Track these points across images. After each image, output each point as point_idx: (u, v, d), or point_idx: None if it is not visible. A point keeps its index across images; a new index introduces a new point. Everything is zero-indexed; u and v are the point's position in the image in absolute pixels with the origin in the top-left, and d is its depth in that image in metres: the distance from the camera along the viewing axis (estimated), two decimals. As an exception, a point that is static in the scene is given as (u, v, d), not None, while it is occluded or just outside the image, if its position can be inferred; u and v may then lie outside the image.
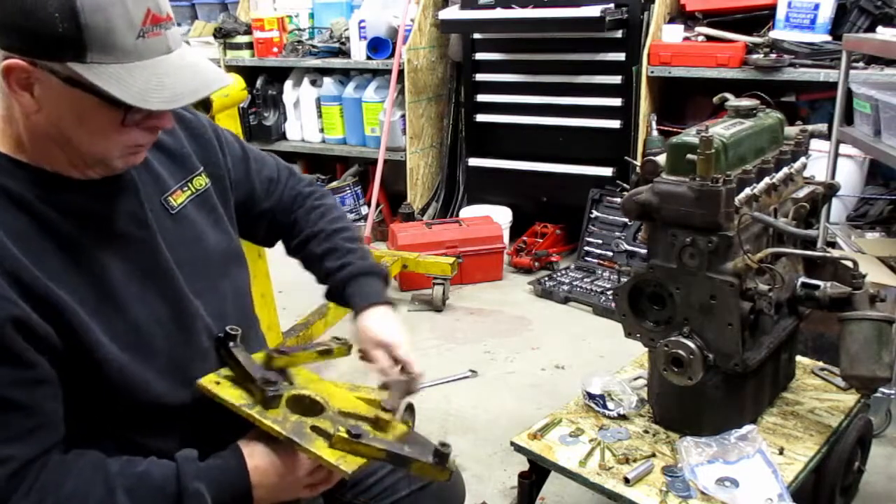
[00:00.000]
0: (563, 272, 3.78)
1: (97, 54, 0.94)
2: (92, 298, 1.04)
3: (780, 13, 3.43)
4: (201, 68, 1.04)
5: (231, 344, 1.18)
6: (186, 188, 1.22)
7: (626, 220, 3.68)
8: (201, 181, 1.25)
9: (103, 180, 1.09)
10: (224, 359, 1.18)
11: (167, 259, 1.14)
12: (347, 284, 1.37)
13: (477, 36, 4.05)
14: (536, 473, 1.79)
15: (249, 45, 4.59)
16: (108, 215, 1.09)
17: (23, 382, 0.96)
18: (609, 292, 3.40)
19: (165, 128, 1.08)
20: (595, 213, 3.84)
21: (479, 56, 4.07)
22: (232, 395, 1.13)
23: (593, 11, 3.51)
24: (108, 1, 0.93)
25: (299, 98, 4.63)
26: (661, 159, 1.62)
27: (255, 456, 1.11)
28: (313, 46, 4.50)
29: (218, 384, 1.14)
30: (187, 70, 1.02)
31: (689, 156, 1.50)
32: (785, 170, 1.76)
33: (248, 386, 1.14)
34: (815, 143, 2.85)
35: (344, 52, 4.40)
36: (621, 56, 3.72)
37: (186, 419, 1.15)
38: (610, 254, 3.75)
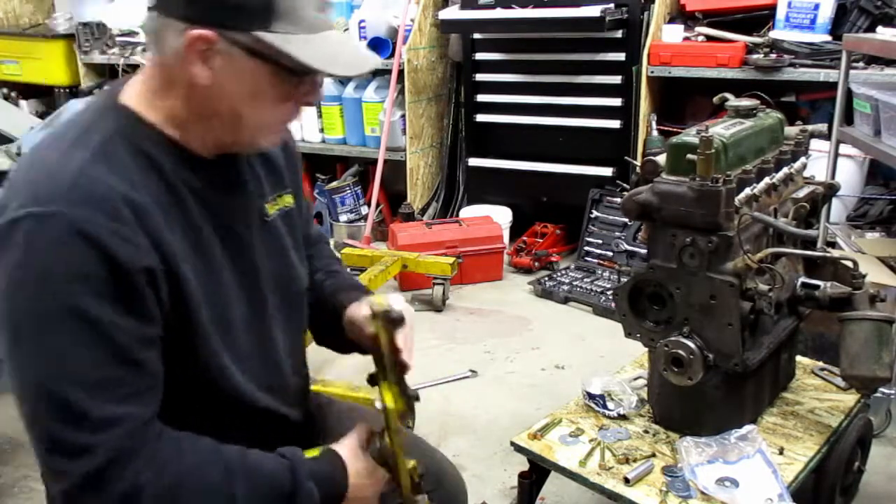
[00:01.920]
0: (563, 272, 3.78)
1: (283, 24, 0.99)
2: (203, 281, 1.06)
3: (780, 13, 3.43)
4: (356, 45, 1.12)
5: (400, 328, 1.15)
6: (277, 201, 1.24)
7: (626, 220, 3.68)
8: (289, 199, 1.27)
9: (227, 171, 1.13)
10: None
11: (257, 262, 1.17)
12: (337, 293, 1.36)
13: (477, 36, 4.05)
14: (536, 473, 1.79)
15: (249, 45, 4.59)
16: (222, 205, 1.11)
17: (143, 339, 0.97)
18: (609, 292, 3.40)
19: (313, 104, 1.13)
20: (595, 213, 3.84)
21: (479, 56, 4.07)
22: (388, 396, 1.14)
23: (593, 11, 3.51)
24: None
25: (299, 98, 4.62)
26: (661, 159, 1.62)
27: (355, 462, 1.13)
28: (313, 46, 4.50)
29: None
30: (350, 45, 1.10)
31: (689, 156, 1.50)
32: (785, 170, 1.76)
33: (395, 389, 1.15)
34: (815, 143, 2.85)
35: (344, 52, 4.40)
36: (621, 56, 3.72)
37: (249, 424, 1.16)
38: (610, 254, 3.75)
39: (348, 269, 3.12)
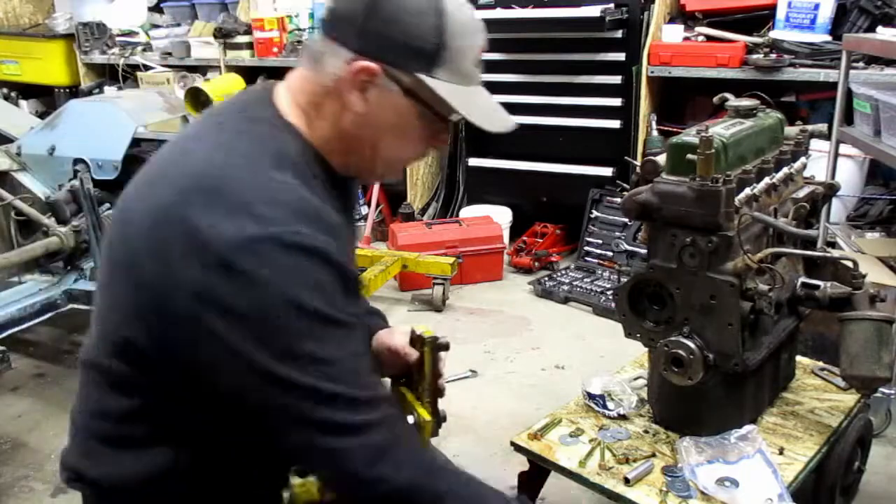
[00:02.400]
0: (563, 272, 3.78)
1: (444, 71, 1.05)
2: None
3: (780, 13, 3.43)
4: (497, 104, 1.17)
5: (442, 353, 1.25)
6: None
7: (626, 220, 3.68)
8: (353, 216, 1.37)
9: (347, 191, 1.20)
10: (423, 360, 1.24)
11: None
12: None
13: (477, 36, 4.04)
14: (536, 473, 1.79)
15: (249, 46, 4.59)
16: (347, 226, 1.17)
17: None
18: (609, 292, 3.40)
19: (442, 148, 1.21)
20: (595, 213, 3.84)
21: (479, 56, 4.07)
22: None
23: (593, 11, 3.51)
24: (470, 28, 1.07)
25: (299, 98, 4.63)
26: (661, 159, 1.62)
27: None
28: (313, 46, 4.50)
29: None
30: (494, 101, 1.17)
31: (689, 156, 1.50)
32: (785, 170, 1.76)
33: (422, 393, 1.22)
34: (815, 143, 2.84)
35: (344, 52, 4.40)
36: (621, 56, 3.72)
37: None
38: (610, 254, 3.75)
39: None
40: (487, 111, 1.12)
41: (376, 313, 1.43)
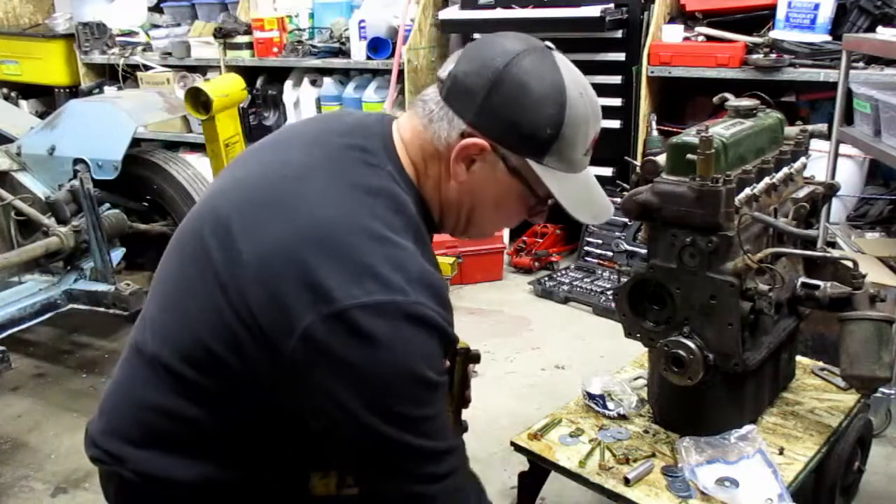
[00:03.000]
0: (563, 272, 3.78)
1: (553, 159, 1.08)
2: None
3: (780, 13, 3.43)
4: (601, 191, 1.18)
5: (473, 366, 1.27)
6: None
7: (626, 220, 3.67)
8: None
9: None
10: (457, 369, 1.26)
11: None
12: None
13: (477, 36, 4.05)
14: (536, 473, 1.79)
15: (249, 45, 4.59)
16: None
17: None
18: (609, 292, 3.40)
19: (536, 223, 1.23)
20: (595, 213, 3.83)
21: (480, 56, 4.07)
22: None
23: (593, 11, 3.51)
24: (584, 120, 1.08)
25: (299, 98, 4.63)
26: (661, 159, 1.62)
27: None
28: (313, 46, 4.50)
29: None
30: (598, 190, 1.18)
31: (689, 156, 1.50)
32: (785, 170, 1.76)
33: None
34: (815, 143, 2.84)
35: (344, 52, 4.40)
36: (621, 56, 3.72)
37: None
38: (610, 254, 3.75)
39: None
40: (585, 200, 1.13)
41: None
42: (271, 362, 0.99)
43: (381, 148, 1.11)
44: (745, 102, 1.78)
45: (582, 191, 1.13)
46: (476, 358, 1.21)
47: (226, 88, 2.77)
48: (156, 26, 5.27)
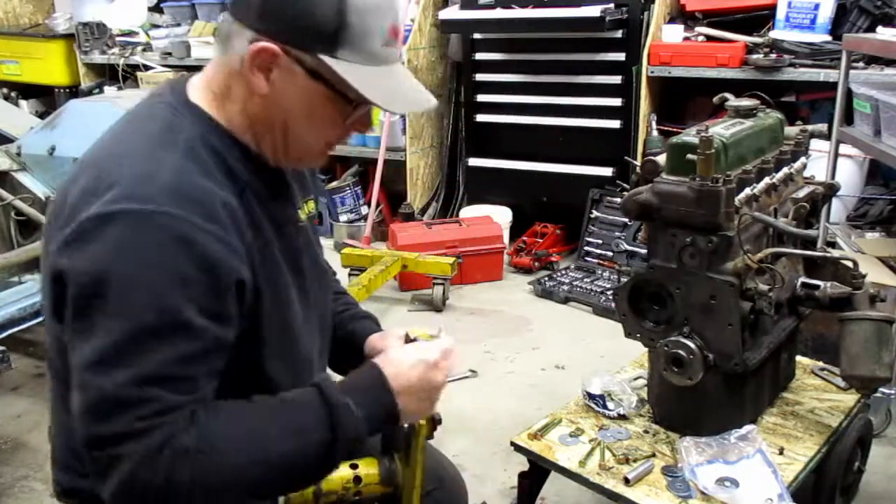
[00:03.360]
0: (563, 272, 3.78)
1: (348, 52, 1.01)
2: (271, 288, 1.07)
3: (780, 13, 3.43)
4: (418, 84, 1.12)
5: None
6: (305, 207, 1.26)
7: (626, 220, 3.68)
8: (312, 205, 1.30)
9: (278, 178, 1.14)
10: None
11: (304, 265, 1.18)
12: (349, 323, 1.38)
13: (477, 36, 4.05)
14: (536, 473, 1.79)
15: (249, 45, 4.59)
16: (279, 213, 1.13)
17: (219, 345, 0.98)
18: (609, 292, 3.40)
19: (363, 132, 1.14)
20: (595, 213, 3.84)
21: (479, 56, 4.07)
22: None
23: (593, 11, 3.51)
24: (370, 6, 1.00)
25: (299, 98, 4.63)
26: (661, 159, 1.62)
27: (388, 363, 1.10)
28: (313, 46, 4.50)
29: None
30: (412, 82, 1.11)
31: (689, 156, 1.50)
32: (785, 170, 1.76)
33: None
34: (815, 143, 2.84)
35: (344, 52, 4.40)
36: (621, 56, 3.72)
37: None
38: (610, 254, 3.75)
39: (349, 269, 2.96)
40: (394, 92, 1.06)
41: (368, 317, 1.40)
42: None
43: (170, 90, 1.10)
44: (745, 102, 1.78)
45: (393, 84, 1.07)
46: (437, 422, 1.18)
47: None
48: (156, 26, 5.27)
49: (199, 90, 1.09)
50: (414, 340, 1.21)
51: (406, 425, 1.16)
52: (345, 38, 1.00)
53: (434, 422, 1.18)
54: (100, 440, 0.92)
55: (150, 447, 0.91)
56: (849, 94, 2.87)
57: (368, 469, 1.20)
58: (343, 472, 1.18)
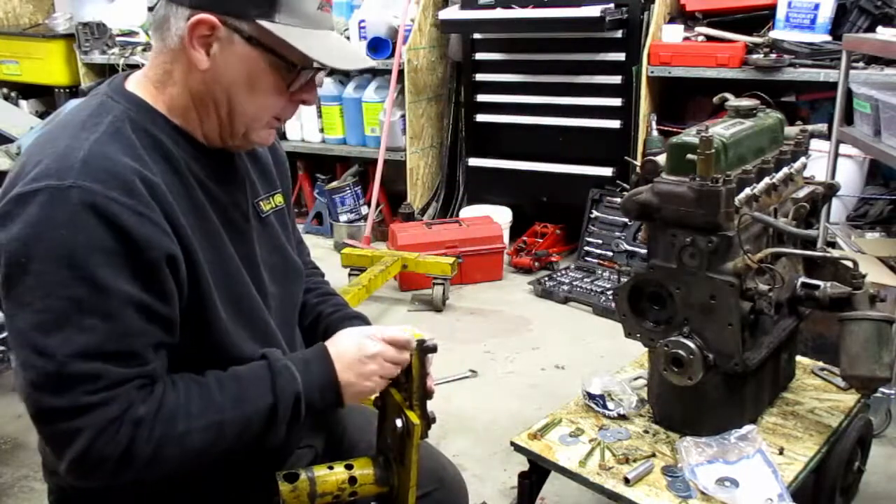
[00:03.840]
0: (563, 272, 3.78)
1: (284, 16, 1.03)
2: (215, 266, 1.08)
3: (780, 13, 3.43)
4: (354, 45, 1.15)
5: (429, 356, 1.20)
6: (270, 200, 1.27)
7: (626, 220, 3.68)
8: (280, 199, 1.31)
9: (225, 164, 1.15)
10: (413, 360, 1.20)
11: (258, 255, 1.19)
12: (340, 323, 1.37)
13: (477, 36, 4.05)
14: (536, 473, 1.79)
15: (249, 45, 4.59)
16: (224, 198, 1.14)
17: (156, 317, 0.99)
18: (609, 292, 3.40)
19: (308, 103, 1.15)
20: (595, 213, 3.84)
21: (479, 56, 4.07)
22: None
23: (593, 11, 3.51)
24: None
25: (299, 98, 4.62)
26: (661, 159, 1.62)
27: (332, 340, 1.16)
28: (313, 46, 4.50)
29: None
30: (347, 44, 1.17)
31: (689, 156, 1.50)
32: (785, 170, 1.76)
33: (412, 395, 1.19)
34: (815, 143, 2.85)
35: (344, 52, 4.40)
36: (621, 56, 3.72)
37: None
38: (610, 254, 3.75)
39: (349, 269, 3.06)
40: (333, 50, 1.08)
41: (358, 316, 1.40)
42: None
43: (105, 85, 1.11)
44: (745, 102, 1.78)
45: (331, 43, 1.09)
46: (431, 349, 1.17)
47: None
48: (156, 26, 5.27)
49: (136, 80, 1.10)
50: (419, 341, 1.21)
51: (399, 425, 1.15)
52: (281, 1, 1.02)
53: (428, 421, 1.18)
54: (51, 414, 0.94)
55: (107, 418, 0.94)
56: (849, 94, 2.87)
57: (363, 469, 1.19)
58: (338, 473, 1.18)
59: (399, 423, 1.16)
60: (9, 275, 0.94)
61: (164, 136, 1.06)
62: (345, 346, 1.14)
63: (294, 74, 1.08)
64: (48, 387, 0.93)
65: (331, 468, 1.18)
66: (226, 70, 1.05)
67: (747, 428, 1.65)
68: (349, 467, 1.19)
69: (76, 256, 0.93)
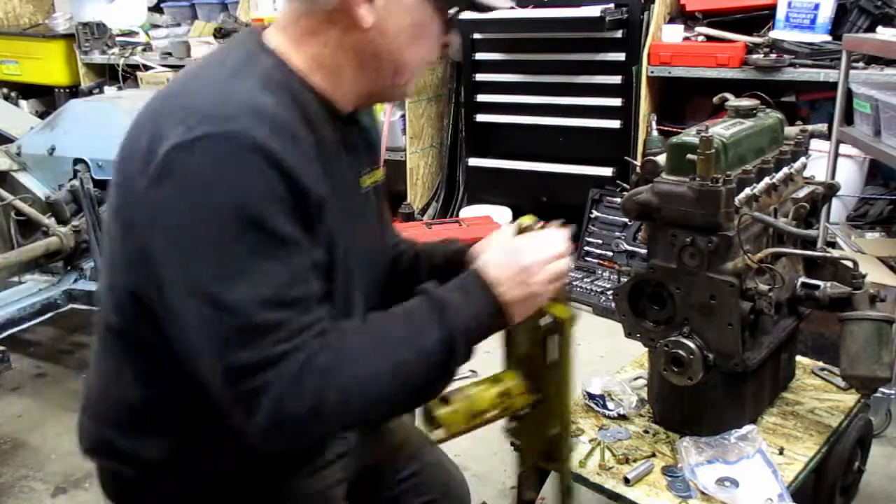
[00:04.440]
0: (563, 272, 3.77)
1: None
2: (340, 226, 1.05)
3: (780, 13, 3.43)
4: None
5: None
6: (372, 174, 1.24)
7: (626, 220, 3.68)
8: (380, 175, 1.27)
9: (351, 131, 1.13)
10: None
11: (359, 227, 1.15)
12: (438, 249, 1.41)
13: (477, 36, 4.04)
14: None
15: (249, 45, 4.59)
16: (343, 163, 1.10)
17: (314, 264, 0.97)
18: (609, 292, 3.40)
19: (450, 46, 1.14)
20: (595, 213, 3.84)
21: (479, 56, 4.07)
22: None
23: (593, 11, 3.51)
24: None
25: (299, 98, 4.63)
26: (661, 159, 1.62)
27: (481, 261, 1.12)
28: (313, 46, 4.50)
29: None
30: None
31: (689, 156, 1.50)
32: (785, 170, 1.76)
33: None
34: (815, 143, 2.84)
35: (344, 52, 4.40)
36: (621, 56, 3.72)
37: None
38: (610, 254, 3.75)
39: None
40: None
41: (450, 240, 1.39)
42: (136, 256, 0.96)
43: (242, 37, 1.08)
44: (745, 102, 1.78)
45: None
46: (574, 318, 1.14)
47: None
48: (156, 26, 5.27)
49: (277, 36, 1.06)
50: (528, 228, 1.19)
51: (547, 322, 1.13)
52: None
53: (572, 314, 1.14)
54: (240, 372, 0.90)
55: (292, 371, 0.90)
56: (849, 94, 2.87)
57: (512, 381, 1.18)
58: (490, 388, 1.17)
59: (546, 321, 1.13)
60: (176, 230, 0.91)
61: (304, 97, 1.02)
62: (499, 266, 1.09)
63: (446, 21, 1.07)
64: (237, 341, 0.89)
65: (478, 385, 1.17)
66: (392, 22, 1.02)
67: (747, 428, 1.65)
68: (497, 381, 1.17)
69: (249, 203, 0.89)
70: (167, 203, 0.91)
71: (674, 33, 3.59)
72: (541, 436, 1.22)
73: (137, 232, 0.96)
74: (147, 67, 4.92)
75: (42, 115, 4.10)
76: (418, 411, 1.10)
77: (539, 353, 1.16)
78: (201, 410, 1.00)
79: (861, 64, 3.17)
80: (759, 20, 3.54)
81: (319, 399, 0.91)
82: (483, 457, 2.34)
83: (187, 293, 0.91)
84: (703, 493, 1.54)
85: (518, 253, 1.11)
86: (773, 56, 3.32)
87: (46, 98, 5.43)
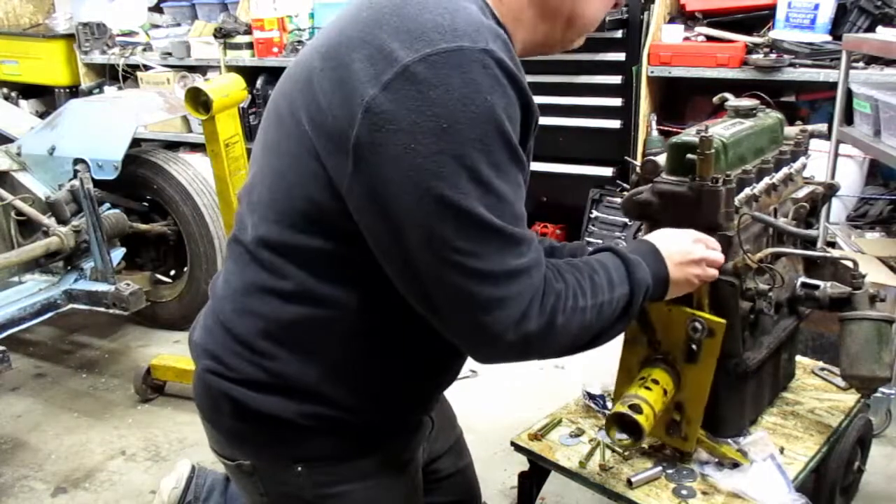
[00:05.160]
0: (563, 272, 3.77)
1: None
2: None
3: (780, 13, 3.43)
4: None
5: None
6: None
7: (626, 220, 3.68)
8: None
9: None
10: None
11: None
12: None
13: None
14: (536, 473, 1.79)
15: (250, 46, 4.59)
16: None
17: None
18: (609, 292, 3.40)
19: (617, 7, 1.19)
20: (595, 213, 3.84)
21: (479, 56, 4.07)
22: None
23: (593, 11, 3.50)
24: None
25: (299, 98, 4.62)
26: (661, 159, 1.62)
27: (655, 236, 1.27)
28: (313, 46, 4.50)
29: None
30: None
31: (689, 156, 1.50)
32: (785, 170, 1.76)
33: None
34: (815, 143, 2.84)
35: (344, 52, 4.39)
36: (621, 56, 3.72)
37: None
38: (610, 254, 3.75)
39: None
40: None
41: (579, 246, 1.46)
42: (349, 175, 0.95)
43: None
44: (745, 102, 1.78)
45: None
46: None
47: (226, 88, 2.78)
48: (156, 26, 5.27)
49: None
50: None
51: (699, 328, 1.27)
52: None
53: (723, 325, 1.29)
54: (497, 277, 0.96)
55: (535, 285, 0.99)
56: (849, 94, 2.87)
57: (664, 377, 1.32)
58: (655, 390, 1.29)
59: (698, 325, 1.27)
60: (428, 133, 0.90)
61: (504, 35, 1.03)
62: (670, 246, 1.23)
63: None
64: (506, 247, 0.96)
65: (647, 388, 1.30)
66: None
67: (758, 434, 1.64)
68: (656, 381, 1.30)
69: (501, 122, 0.92)
70: (420, 112, 0.90)
71: (674, 33, 3.59)
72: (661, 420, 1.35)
73: (355, 139, 0.93)
74: (147, 67, 4.92)
75: (42, 115, 4.10)
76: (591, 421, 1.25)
77: (686, 354, 1.28)
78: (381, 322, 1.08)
79: (861, 64, 3.17)
80: (759, 20, 3.54)
81: (552, 318, 1.00)
82: (483, 457, 2.34)
83: (436, 209, 0.92)
84: (704, 493, 1.53)
85: (692, 245, 1.27)
86: (773, 56, 3.31)
87: (46, 98, 5.43)
